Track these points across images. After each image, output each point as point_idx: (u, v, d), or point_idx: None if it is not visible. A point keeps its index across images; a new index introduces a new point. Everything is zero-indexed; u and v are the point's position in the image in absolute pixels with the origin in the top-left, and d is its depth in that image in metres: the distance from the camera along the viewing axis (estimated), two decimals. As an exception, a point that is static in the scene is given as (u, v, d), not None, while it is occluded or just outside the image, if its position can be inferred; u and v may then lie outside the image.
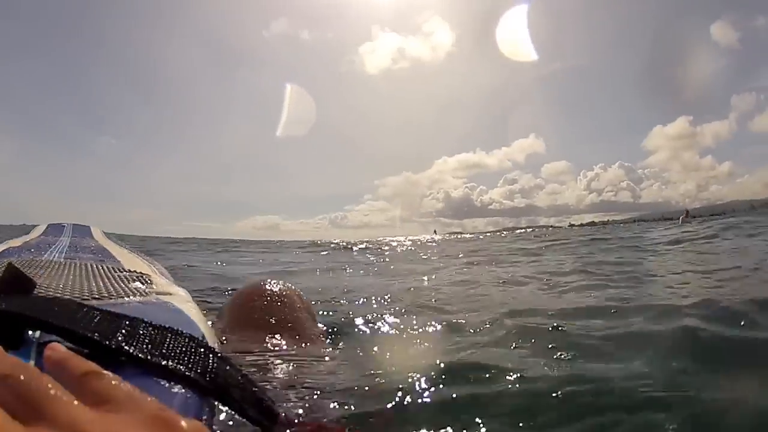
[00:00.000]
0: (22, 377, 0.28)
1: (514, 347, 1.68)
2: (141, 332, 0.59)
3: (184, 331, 0.65)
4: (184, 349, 0.59)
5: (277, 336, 1.17)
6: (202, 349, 0.60)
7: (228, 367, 0.60)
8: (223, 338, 1.15)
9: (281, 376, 0.97)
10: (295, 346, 1.12)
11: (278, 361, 1.02)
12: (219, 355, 0.61)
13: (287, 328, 1.19)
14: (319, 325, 1.42)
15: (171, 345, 0.59)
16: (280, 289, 1.36)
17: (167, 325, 0.62)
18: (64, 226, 2.28)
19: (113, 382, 0.34)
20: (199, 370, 0.55)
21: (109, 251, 1.66)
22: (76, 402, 0.29)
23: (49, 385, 0.29)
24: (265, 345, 1.14)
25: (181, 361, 0.56)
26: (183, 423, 0.28)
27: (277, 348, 1.08)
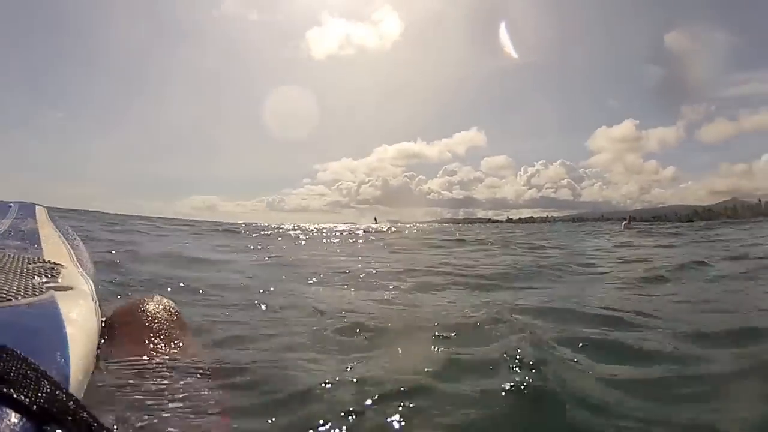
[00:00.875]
0: None
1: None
2: None
3: (42, 349, 0.67)
4: (20, 374, 0.61)
5: (151, 352, 1.21)
6: (36, 375, 0.62)
7: (58, 393, 0.61)
8: (105, 353, 1.17)
9: (157, 390, 1.02)
10: (168, 360, 1.16)
11: (154, 376, 1.06)
12: (53, 381, 0.62)
13: (162, 343, 1.23)
14: (193, 338, 1.43)
15: (9, 368, 0.61)
16: (155, 308, 1.35)
17: (7, 346, 0.65)
18: (10, 206, 2.28)
19: None
20: (30, 396, 0.57)
21: (38, 236, 1.68)
22: None
23: None
24: (141, 360, 1.18)
25: (13, 386, 0.59)
26: None
27: (152, 363, 1.13)
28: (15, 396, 0.56)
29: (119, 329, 1.21)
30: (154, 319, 1.26)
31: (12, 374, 0.59)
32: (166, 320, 1.28)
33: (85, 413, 0.60)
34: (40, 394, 0.58)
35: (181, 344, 1.23)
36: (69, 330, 0.87)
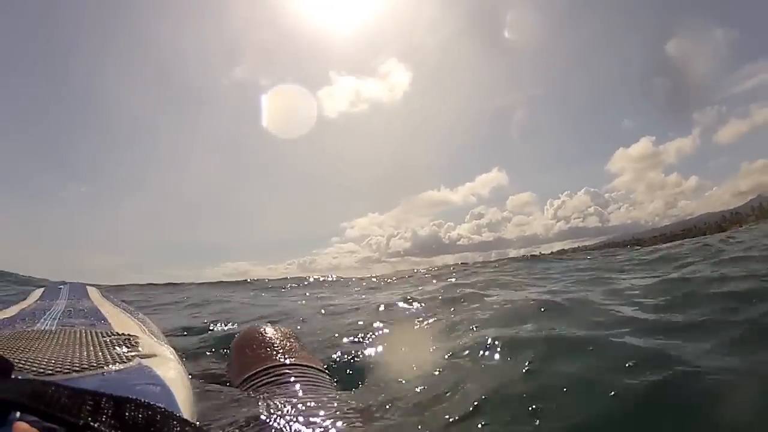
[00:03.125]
0: None
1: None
2: (104, 406, 0.61)
3: (148, 401, 0.66)
4: (145, 420, 0.61)
5: (287, 369, 1.21)
6: (163, 416, 0.62)
7: (187, 429, 0.62)
8: (235, 379, 1.20)
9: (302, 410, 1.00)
10: (304, 378, 1.16)
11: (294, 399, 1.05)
12: (179, 418, 0.63)
13: (293, 359, 1.24)
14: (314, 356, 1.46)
15: (133, 416, 0.60)
16: (275, 330, 1.41)
17: (133, 397, 0.64)
18: (60, 288, 2.30)
19: None
20: None
21: (101, 313, 1.67)
22: None
23: None
24: (278, 381, 1.17)
25: (142, 430, 0.58)
26: None
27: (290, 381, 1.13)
28: None
29: (245, 354, 1.23)
30: (274, 342, 1.29)
31: (140, 418, 0.60)
32: (290, 341, 1.30)
33: None
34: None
35: (309, 361, 1.23)
36: (171, 386, 0.85)
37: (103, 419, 0.58)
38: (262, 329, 1.47)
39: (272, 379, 1.10)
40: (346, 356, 2.27)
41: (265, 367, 1.19)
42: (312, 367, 1.22)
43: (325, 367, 1.55)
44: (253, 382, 1.12)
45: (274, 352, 1.30)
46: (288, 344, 1.37)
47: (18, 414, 0.61)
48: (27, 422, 0.58)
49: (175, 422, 0.61)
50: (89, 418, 0.58)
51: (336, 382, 1.24)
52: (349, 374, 1.93)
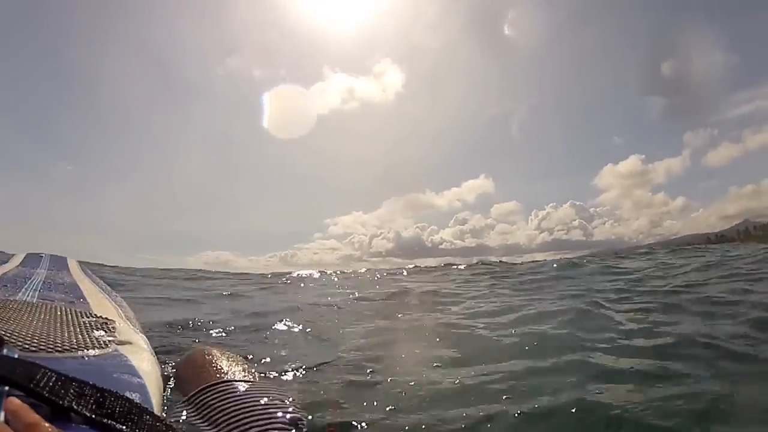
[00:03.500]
0: None
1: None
2: (87, 393, 0.73)
3: (124, 393, 0.78)
4: (122, 410, 0.73)
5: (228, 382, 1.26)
6: (138, 410, 0.74)
7: (158, 425, 0.74)
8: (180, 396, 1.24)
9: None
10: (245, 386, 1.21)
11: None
12: (153, 414, 0.75)
13: (231, 377, 1.28)
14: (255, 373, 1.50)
15: (112, 406, 0.73)
16: (217, 353, 1.43)
17: (110, 388, 0.76)
18: (41, 257, 2.37)
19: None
20: (135, 429, 0.69)
21: (80, 290, 1.76)
22: None
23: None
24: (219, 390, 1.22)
25: (119, 421, 0.71)
26: None
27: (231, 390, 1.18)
28: (125, 429, 0.68)
29: (179, 382, 1.28)
30: (213, 367, 1.31)
31: (118, 409, 0.72)
32: (230, 362, 1.34)
33: None
34: (143, 426, 0.70)
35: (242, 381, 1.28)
36: (144, 379, 0.96)
37: (86, 405, 0.70)
38: (206, 351, 1.45)
39: (218, 394, 1.14)
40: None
41: (211, 383, 1.24)
42: (253, 382, 1.27)
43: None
44: (201, 397, 1.18)
45: (220, 371, 1.31)
46: (233, 364, 1.39)
47: (6, 388, 0.72)
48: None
49: (148, 417, 0.74)
50: (73, 402, 0.70)
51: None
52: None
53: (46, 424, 0.51)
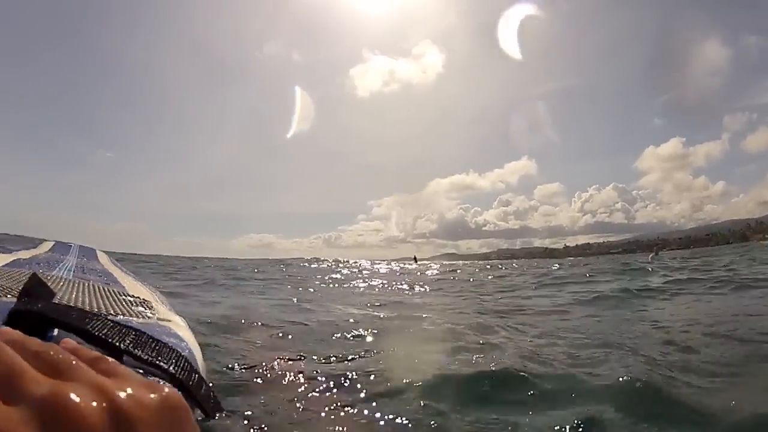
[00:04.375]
0: (51, 353, 0.38)
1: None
2: (144, 341, 0.71)
3: (179, 351, 0.76)
4: (176, 365, 0.71)
5: None
6: (189, 367, 0.73)
7: (194, 372, 0.73)
8: None
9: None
10: None
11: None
12: (189, 361, 0.74)
13: None
14: None
15: (168, 358, 0.71)
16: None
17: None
18: (71, 246, 2.39)
19: (118, 366, 0.45)
20: (185, 375, 0.69)
21: (113, 275, 1.76)
22: (93, 371, 0.39)
23: (72, 359, 0.38)
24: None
25: (174, 367, 0.69)
26: (167, 389, 0.38)
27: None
28: (165, 366, 0.68)
29: None
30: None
31: (163, 351, 0.71)
32: None
33: (211, 391, 0.73)
34: (181, 368, 0.70)
35: None
36: (192, 347, 0.94)
37: (143, 351, 0.69)
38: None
39: None
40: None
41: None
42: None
43: None
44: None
45: None
46: None
47: (56, 332, 0.71)
48: None
49: (197, 376, 0.72)
50: (131, 346, 0.68)
51: None
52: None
53: (110, 358, 0.50)
